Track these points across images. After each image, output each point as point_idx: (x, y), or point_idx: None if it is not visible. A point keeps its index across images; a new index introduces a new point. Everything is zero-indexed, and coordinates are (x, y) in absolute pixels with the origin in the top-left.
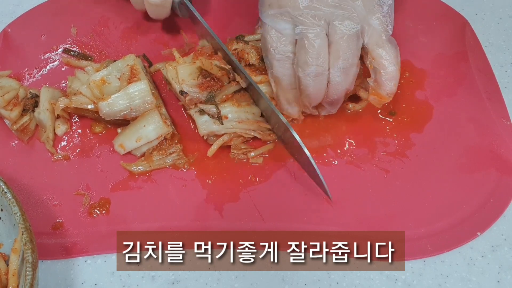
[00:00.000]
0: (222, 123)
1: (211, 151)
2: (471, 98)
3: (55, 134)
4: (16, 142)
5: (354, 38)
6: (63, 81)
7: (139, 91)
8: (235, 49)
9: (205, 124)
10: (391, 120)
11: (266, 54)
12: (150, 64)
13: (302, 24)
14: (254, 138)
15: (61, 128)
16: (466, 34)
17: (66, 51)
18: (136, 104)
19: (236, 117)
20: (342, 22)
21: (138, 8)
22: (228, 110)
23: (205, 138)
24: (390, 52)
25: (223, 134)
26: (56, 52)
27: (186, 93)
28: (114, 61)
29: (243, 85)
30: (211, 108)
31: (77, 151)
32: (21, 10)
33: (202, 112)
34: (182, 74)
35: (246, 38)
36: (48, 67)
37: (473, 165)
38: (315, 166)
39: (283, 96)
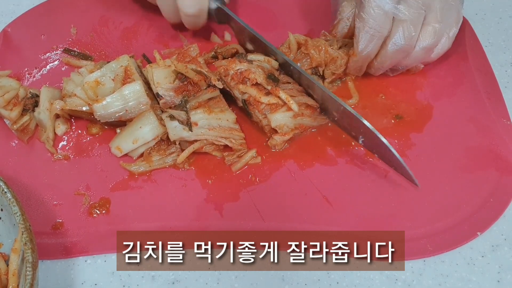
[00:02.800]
0: (191, 130)
1: (181, 158)
2: (471, 98)
3: (55, 134)
4: (16, 142)
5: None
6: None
7: (134, 92)
8: (238, 69)
9: (175, 130)
10: (392, 120)
11: (361, 24)
12: None
13: (407, 4)
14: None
15: (61, 128)
16: (466, 34)
17: (66, 51)
18: (131, 105)
19: (206, 124)
20: (441, 9)
21: (172, 21)
22: (199, 117)
23: (177, 143)
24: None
25: (194, 141)
26: (56, 52)
27: (161, 96)
28: (108, 62)
29: (219, 86)
30: (181, 114)
31: (77, 151)
32: (21, 10)
33: (172, 117)
34: (157, 77)
35: (249, 58)
36: (48, 67)
37: (473, 165)
38: (395, 153)
39: (356, 64)
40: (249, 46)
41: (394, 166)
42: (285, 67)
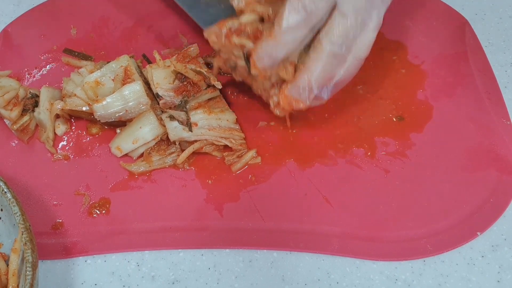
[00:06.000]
0: (191, 130)
1: (181, 158)
2: (471, 98)
3: (55, 134)
4: (16, 142)
5: None
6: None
7: (134, 93)
8: (230, 28)
9: (175, 130)
10: (394, 120)
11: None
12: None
13: None
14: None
15: (61, 128)
16: (466, 34)
17: (66, 51)
18: (131, 105)
19: (206, 124)
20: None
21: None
22: (199, 117)
23: (177, 143)
24: None
25: (194, 141)
26: (56, 52)
27: (161, 96)
28: (108, 62)
29: (219, 86)
30: (180, 115)
31: (77, 151)
32: (21, 10)
33: (172, 117)
34: (157, 77)
35: (242, 20)
36: (48, 67)
37: (473, 165)
38: None
39: (269, 52)
40: None
41: None
42: None
